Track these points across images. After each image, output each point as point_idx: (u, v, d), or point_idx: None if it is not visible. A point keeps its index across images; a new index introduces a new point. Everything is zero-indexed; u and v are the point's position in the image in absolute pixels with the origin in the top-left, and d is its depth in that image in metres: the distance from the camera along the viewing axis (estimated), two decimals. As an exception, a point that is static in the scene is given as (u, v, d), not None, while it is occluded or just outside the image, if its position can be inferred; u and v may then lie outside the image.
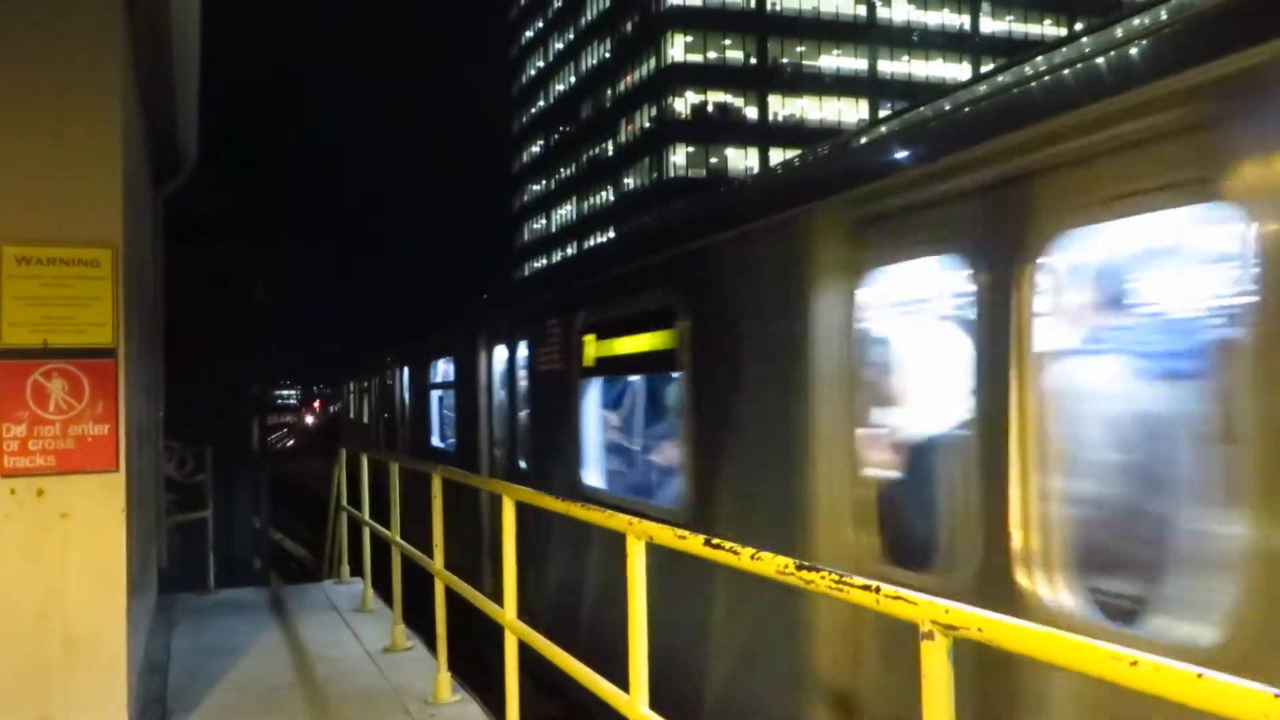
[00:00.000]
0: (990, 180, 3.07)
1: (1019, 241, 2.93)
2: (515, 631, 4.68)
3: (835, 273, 3.75)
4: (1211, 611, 2.34)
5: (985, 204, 3.10)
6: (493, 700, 5.81)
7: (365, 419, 17.84)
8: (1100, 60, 3.08)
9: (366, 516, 8.61)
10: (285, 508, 27.48)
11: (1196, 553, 2.55)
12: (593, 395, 6.49)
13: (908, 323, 3.88)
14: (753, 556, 2.73)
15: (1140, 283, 3.19)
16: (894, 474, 3.74)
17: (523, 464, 7.88)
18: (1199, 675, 1.46)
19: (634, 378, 6.40)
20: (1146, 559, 2.71)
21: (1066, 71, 3.16)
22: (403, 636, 7.36)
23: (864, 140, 4.82)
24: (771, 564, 2.63)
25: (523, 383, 7.89)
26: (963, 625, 1.95)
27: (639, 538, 3.34)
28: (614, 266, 6.73)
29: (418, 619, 7.41)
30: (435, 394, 11.77)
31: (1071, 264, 3.01)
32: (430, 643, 6.61)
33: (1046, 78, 3.26)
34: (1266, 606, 2.21)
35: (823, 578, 2.42)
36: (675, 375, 5.31)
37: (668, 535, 3.22)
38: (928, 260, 3.47)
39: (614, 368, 6.18)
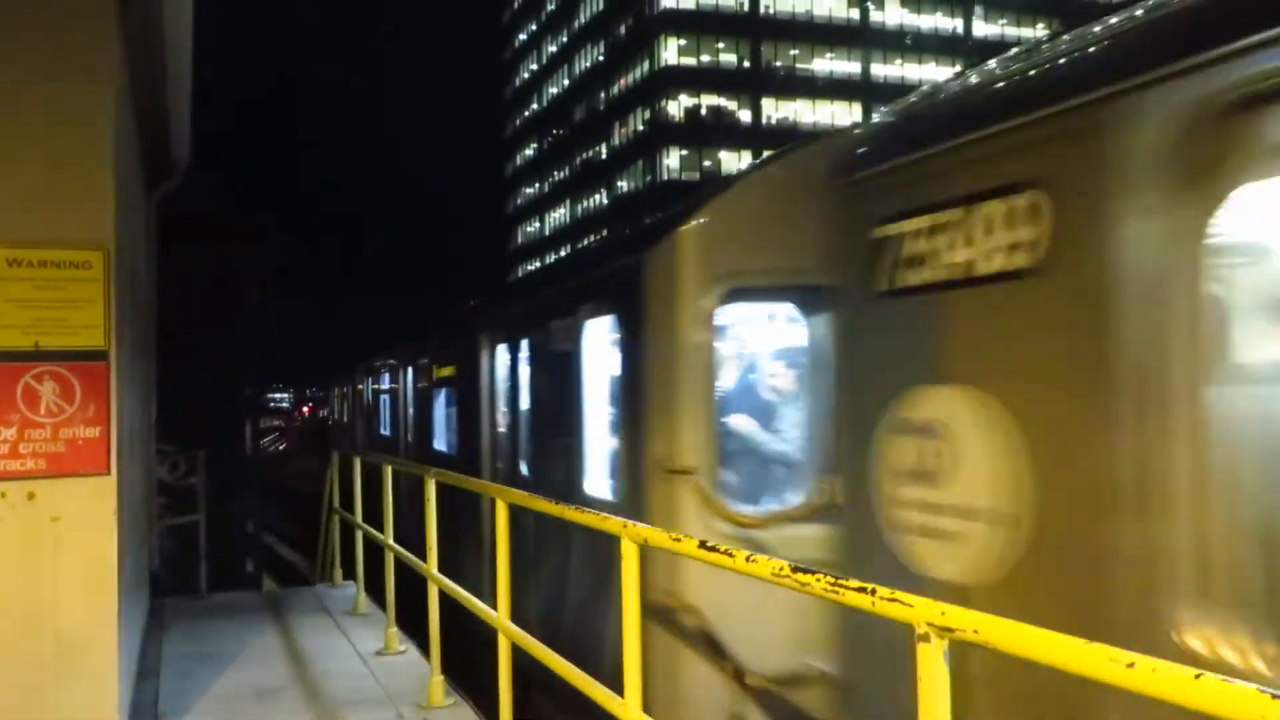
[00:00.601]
0: (508, 316, 8.22)
1: (508, 339, 7.86)
2: (508, 635, 4.67)
3: (484, 348, 8.48)
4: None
5: (505, 323, 8.11)
6: (486, 703, 5.80)
7: (345, 419, 23.51)
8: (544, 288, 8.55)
9: (359, 519, 8.58)
10: (289, 517, 27.40)
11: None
12: (440, 400, 11.51)
13: (501, 369, 8.20)
14: (748, 559, 2.73)
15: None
16: (503, 430, 8.15)
17: (417, 444, 12.81)
18: (1196, 676, 1.46)
19: (449, 389, 11.01)
20: (523, 452, 7.38)
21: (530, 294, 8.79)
22: (396, 640, 7.34)
23: (488, 301, 10.96)
24: (767, 566, 2.63)
25: (418, 393, 12.78)
26: (959, 627, 1.94)
27: (633, 540, 3.33)
28: (439, 333, 12.15)
29: (411, 622, 7.39)
30: (383, 399, 16.73)
31: (521, 350, 7.45)
32: (424, 646, 6.59)
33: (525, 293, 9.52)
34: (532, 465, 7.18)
35: (818, 580, 2.41)
36: (455, 389, 10.28)
37: (662, 539, 3.22)
38: (503, 344, 8.09)
39: (443, 384, 11.18)
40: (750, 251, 4.44)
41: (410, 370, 13.30)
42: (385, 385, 16.24)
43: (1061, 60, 3.21)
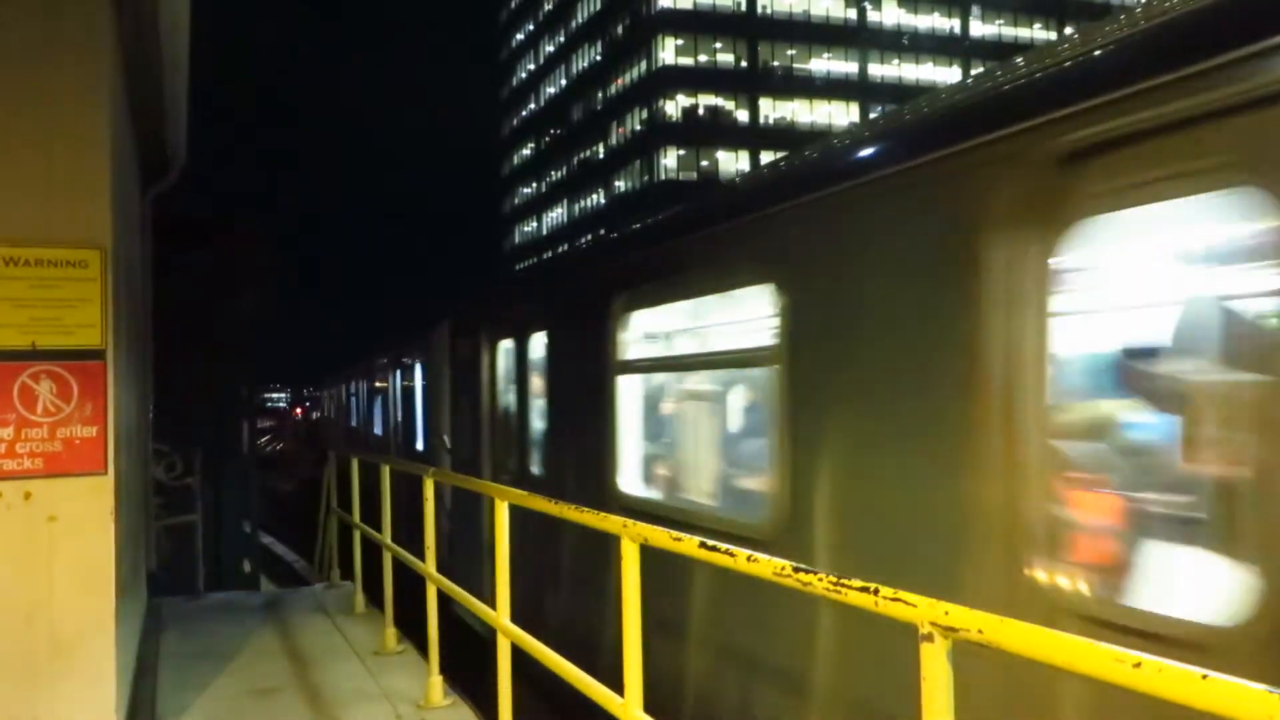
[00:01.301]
0: (394, 351, 16.84)
1: (395, 366, 16.90)
2: (508, 634, 4.66)
3: (390, 370, 17.19)
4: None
5: (393, 356, 16.92)
6: (485, 703, 5.79)
7: (333, 416, 29.80)
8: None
9: (357, 519, 8.56)
10: (283, 516, 27.41)
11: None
12: (378, 402, 18.76)
13: (396, 383, 16.75)
14: (749, 558, 2.72)
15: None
16: (398, 420, 16.38)
17: (373, 433, 19.41)
18: (1203, 676, 1.45)
19: (380, 395, 18.00)
20: (402, 431, 16.27)
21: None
22: (394, 640, 7.33)
23: (390, 339, 19.30)
24: (768, 566, 2.62)
25: (369, 395, 19.72)
26: (963, 627, 1.93)
27: (633, 540, 3.32)
28: (375, 354, 19.34)
29: (409, 622, 7.38)
30: (353, 400, 23.57)
31: (401, 374, 16.30)
32: (422, 646, 6.58)
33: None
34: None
35: (819, 579, 2.40)
36: (381, 395, 18.64)
37: (662, 538, 3.20)
38: (394, 369, 16.69)
39: (378, 391, 18.70)
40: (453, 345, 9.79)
41: (365, 380, 20.71)
42: (354, 389, 23.40)
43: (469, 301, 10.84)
